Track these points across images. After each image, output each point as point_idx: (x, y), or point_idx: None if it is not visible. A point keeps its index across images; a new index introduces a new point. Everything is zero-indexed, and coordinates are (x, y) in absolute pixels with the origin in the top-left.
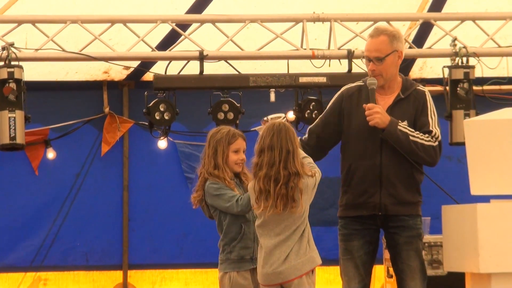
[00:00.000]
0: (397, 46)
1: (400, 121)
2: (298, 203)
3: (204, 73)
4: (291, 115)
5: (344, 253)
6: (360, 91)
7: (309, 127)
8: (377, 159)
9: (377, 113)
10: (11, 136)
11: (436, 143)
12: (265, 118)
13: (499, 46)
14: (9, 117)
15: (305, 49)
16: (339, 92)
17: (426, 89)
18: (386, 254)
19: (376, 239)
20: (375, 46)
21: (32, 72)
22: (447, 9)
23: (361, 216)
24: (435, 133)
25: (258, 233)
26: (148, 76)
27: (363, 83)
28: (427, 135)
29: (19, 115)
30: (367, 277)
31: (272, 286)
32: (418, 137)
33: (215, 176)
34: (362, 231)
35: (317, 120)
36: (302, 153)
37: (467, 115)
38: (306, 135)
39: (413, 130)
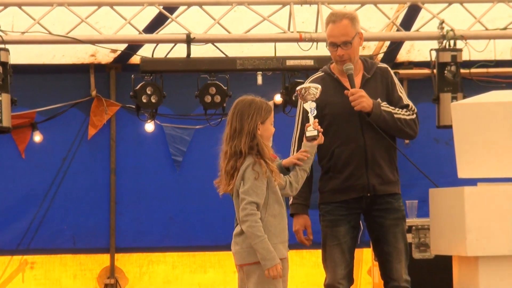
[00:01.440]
0: (358, 28)
1: (380, 100)
2: (233, 182)
3: (191, 56)
4: (278, 98)
5: (330, 239)
6: (323, 79)
7: (292, 137)
8: (361, 141)
9: (362, 97)
10: None
11: (414, 115)
12: (299, 87)
13: (487, 29)
14: None
15: (292, 32)
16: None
17: (386, 65)
18: None
19: (359, 223)
20: (341, 30)
21: (19, 55)
22: None
23: (346, 201)
24: (411, 106)
25: None
26: (135, 59)
27: (323, 73)
28: (405, 109)
29: (5, 98)
30: (351, 262)
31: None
32: (400, 114)
33: None
34: (348, 216)
35: (295, 126)
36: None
37: (454, 98)
38: (295, 146)
39: (393, 107)
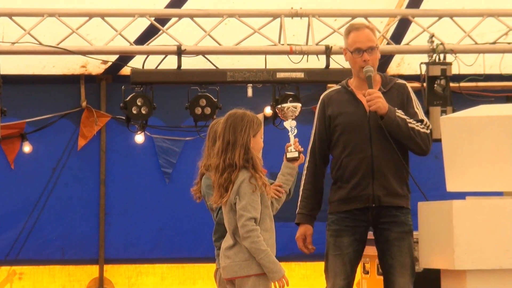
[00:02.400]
0: (377, 41)
1: (396, 109)
2: (228, 194)
3: (181, 67)
4: (268, 110)
5: (333, 249)
6: (339, 93)
7: (308, 148)
8: (368, 152)
9: (379, 97)
10: None
11: (428, 130)
12: (279, 106)
13: (476, 43)
14: None
15: (283, 44)
16: (319, 101)
17: (405, 82)
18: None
19: (365, 238)
20: (366, 36)
21: (9, 66)
22: (425, 5)
23: (353, 212)
24: (426, 122)
25: None
26: (125, 71)
27: (339, 86)
28: (420, 123)
29: None
30: (352, 275)
31: (225, 280)
32: (414, 124)
33: None
34: (353, 228)
35: (311, 138)
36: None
37: (444, 112)
38: (308, 157)
39: (408, 117)
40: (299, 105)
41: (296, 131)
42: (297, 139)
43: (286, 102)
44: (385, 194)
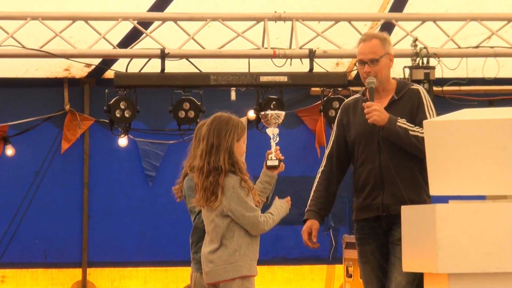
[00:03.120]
0: (388, 49)
1: (399, 118)
2: (216, 198)
3: (165, 71)
4: (251, 114)
5: (360, 257)
6: (356, 102)
7: (325, 153)
8: (377, 162)
9: (375, 110)
10: None
11: None
12: (263, 113)
13: (459, 47)
14: None
15: (266, 48)
16: (340, 108)
17: (420, 86)
18: (346, 254)
19: (387, 240)
20: (369, 49)
21: None
22: (408, 9)
23: (368, 219)
24: None
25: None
26: (109, 74)
27: (360, 95)
28: None
29: None
30: (385, 278)
31: (208, 284)
32: (418, 131)
33: None
34: (372, 235)
35: (329, 143)
36: (276, 207)
37: None
38: (324, 161)
39: (412, 125)
40: (282, 113)
41: (278, 138)
42: (278, 147)
43: (270, 109)
44: (395, 202)
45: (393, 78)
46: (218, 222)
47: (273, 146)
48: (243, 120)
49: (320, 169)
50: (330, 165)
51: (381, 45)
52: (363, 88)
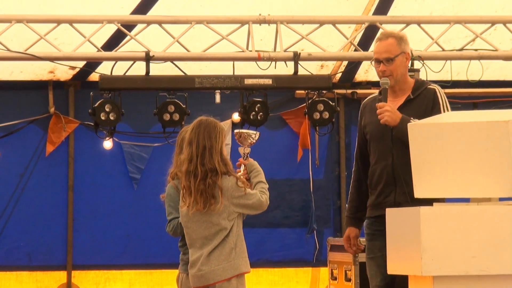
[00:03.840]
0: (404, 48)
1: (412, 118)
2: (217, 200)
3: (150, 73)
4: (236, 116)
5: (368, 252)
6: (373, 101)
7: (354, 153)
8: (389, 160)
9: (387, 111)
10: None
11: None
12: (236, 131)
13: (443, 50)
14: None
15: (251, 50)
16: (360, 110)
17: (437, 86)
18: (331, 257)
19: None
20: (385, 47)
21: None
22: (392, 12)
23: (380, 216)
24: None
25: (185, 232)
26: (94, 77)
27: (378, 94)
28: None
29: None
30: (389, 276)
31: (204, 286)
32: None
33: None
34: (383, 232)
35: (356, 144)
36: (259, 178)
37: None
38: (354, 161)
39: None
40: (258, 133)
41: (248, 158)
42: (245, 170)
43: (255, 112)
44: (406, 200)
45: (411, 77)
46: (225, 225)
47: (242, 167)
48: (228, 122)
49: (353, 169)
50: (357, 165)
51: (397, 44)
52: (382, 87)
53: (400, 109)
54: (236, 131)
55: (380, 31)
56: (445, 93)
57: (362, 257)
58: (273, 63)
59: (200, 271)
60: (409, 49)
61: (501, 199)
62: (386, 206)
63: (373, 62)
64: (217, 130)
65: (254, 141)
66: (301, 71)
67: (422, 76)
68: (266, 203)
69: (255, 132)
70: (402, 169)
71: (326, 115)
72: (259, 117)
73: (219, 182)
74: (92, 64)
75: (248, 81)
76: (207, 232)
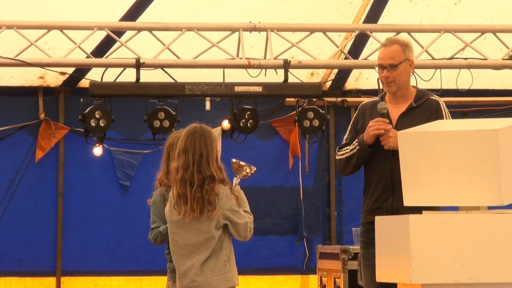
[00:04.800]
0: (409, 55)
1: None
2: (214, 207)
3: (140, 80)
4: (226, 124)
5: (363, 260)
6: (374, 105)
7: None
8: (388, 166)
9: (390, 137)
10: None
11: None
12: (234, 160)
13: (433, 58)
14: None
15: (241, 58)
16: (358, 109)
17: (440, 98)
18: (320, 264)
19: None
20: (389, 54)
21: None
22: (382, 20)
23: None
24: None
25: (171, 239)
26: (84, 83)
27: (378, 98)
28: None
29: None
30: (383, 284)
31: None
32: None
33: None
34: None
35: (343, 142)
36: (246, 207)
37: None
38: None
39: None
40: (254, 169)
41: (238, 187)
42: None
43: (245, 119)
44: (404, 207)
45: (413, 87)
46: (214, 234)
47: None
48: (218, 130)
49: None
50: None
51: (401, 50)
52: (382, 92)
53: (402, 116)
54: (234, 160)
55: (386, 37)
56: None
57: (352, 265)
58: (263, 70)
59: (194, 282)
60: (413, 56)
61: (489, 208)
62: (383, 211)
63: (376, 68)
64: (212, 138)
65: (249, 175)
66: (291, 79)
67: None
68: (250, 233)
69: (252, 167)
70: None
71: (316, 123)
72: (249, 125)
73: (216, 189)
74: (82, 70)
75: (238, 89)
76: (196, 240)
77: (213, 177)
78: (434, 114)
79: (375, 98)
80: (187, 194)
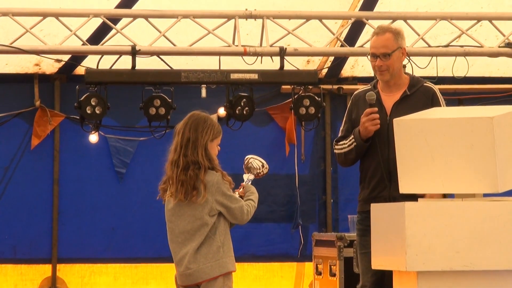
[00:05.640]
0: (401, 43)
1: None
2: (200, 193)
3: (136, 67)
4: (222, 111)
5: (360, 247)
6: (366, 92)
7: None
8: (385, 154)
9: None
10: None
11: None
12: (250, 156)
13: (429, 46)
14: None
15: (237, 45)
16: (350, 100)
17: (434, 85)
18: (315, 252)
19: None
20: (382, 42)
21: None
22: (378, 8)
23: None
24: None
25: (168, 227)
26: (80, 70)
27: (370, 86)
28: None
29: None
30: (380, 271)
31: (186, 286)
32: None
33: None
34: None
35: (340, 133)
36: (251, 197)
37: None
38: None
39: None
40: (267, 169)
41: (250, 183)
42: (243, 190)
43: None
44: (402, 195)
45: (406, 73)
46: (207, 220)
47: (241, 188)
48: (214, 117)
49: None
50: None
51: (394, 39)
52: (374, 80)
53: (397, 104)
54: (248, 156)
55: (379, 25)
56: None
57: (347, 252)
58: (259, 58)
59: (188, 270)
60: (405, 44)
61: (485, 195)
62: (380, 200)
63: (368, 56)
64: (206, 125)
65: (261, 174)
66: (287, 66)
67: (408, 72)
68: (247, 216)
69: (265, 166)
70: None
71: (312, 110)
72: (244, 112)
73: (201, 176)
74: (78, 57)
75: (234, 76)
76: (190, 226)
77: (198, 163)
78: (430, 101)
79: (368, 87)
80: (173, 176)
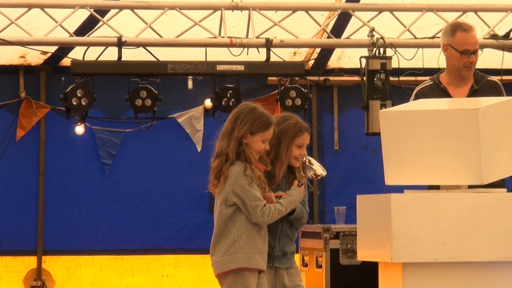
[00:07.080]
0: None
1: None
2: (218, 184)
3: (122, 59)
4: (208, 102)
5: None
6: (431, 89)
7: None
8: None
9: None
10: None
11: None
12: (308, 158)
13: (415, 38)
14: None
15: (223, 37)
16: (413, 94)
17: (496, 79)
18: (302, 243)
19: None
20: (474, 39)
21: None
22: (364, 0)
23: None
24: None
25: None
26: (66, 62)
27: (432, 82)
28: None
29: None
30: None
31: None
32: None
33: None
34: None
35: None
36: (284, 202)
37: (383, 106)
38: None
39: None
40: (324, 174)
41: (302, 186)
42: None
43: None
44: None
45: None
46: (222, 210)
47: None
48: (200, 109)
49: None
50: None
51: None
52: (435, 75)
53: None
54: (307, 157)
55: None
56: (416, 80)
57: (334, 244)
58: (246, 49)
59: (212, 260)
60: None
61: (470, 187)
62: None
63: (452, 51)
64: (247, 117)
65: (314, 177)
66: (274, 58)
67: (394, 63)
68: (264, 218)
69: (323, 170)
70: None
71: (298, 102)
72: (231, 103)
73: (225, 168)
74: (64, 49)
75: (220, 67)
76: (215, 216)
77: (226, 154)
78: (497, 95)
79: (428, 82)
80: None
